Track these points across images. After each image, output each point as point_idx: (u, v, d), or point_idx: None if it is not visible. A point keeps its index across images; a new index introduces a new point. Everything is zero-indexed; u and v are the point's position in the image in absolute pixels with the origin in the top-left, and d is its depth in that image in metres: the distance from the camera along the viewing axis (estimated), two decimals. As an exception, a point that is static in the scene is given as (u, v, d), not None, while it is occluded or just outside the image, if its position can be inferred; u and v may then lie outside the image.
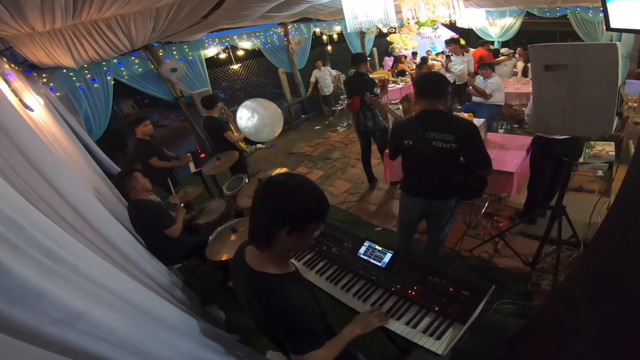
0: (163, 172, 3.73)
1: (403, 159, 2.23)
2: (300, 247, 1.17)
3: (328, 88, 7.52)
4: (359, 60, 3.70)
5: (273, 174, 1.04)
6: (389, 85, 6.75)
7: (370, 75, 4.30)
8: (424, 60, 7.58)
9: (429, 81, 1.99)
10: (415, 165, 2.16)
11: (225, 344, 1.64)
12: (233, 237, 2.32)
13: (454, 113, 3.57)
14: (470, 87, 4.49)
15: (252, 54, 6.97)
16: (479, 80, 4.46)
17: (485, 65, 4.47)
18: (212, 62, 6.23)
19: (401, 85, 6.88)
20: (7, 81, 2.55)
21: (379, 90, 3.68)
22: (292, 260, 1.82)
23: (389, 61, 9.44)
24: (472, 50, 6.60)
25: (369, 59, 8.98)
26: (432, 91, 1.96)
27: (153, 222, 2.51)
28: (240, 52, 6.40)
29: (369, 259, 1.75)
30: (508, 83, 5.71)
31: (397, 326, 1.41)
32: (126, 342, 0.99)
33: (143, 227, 2.48)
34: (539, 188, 2.91)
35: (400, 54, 8.63)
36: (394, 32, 8.69)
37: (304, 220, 0.99)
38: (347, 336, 1.22)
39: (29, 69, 3.60)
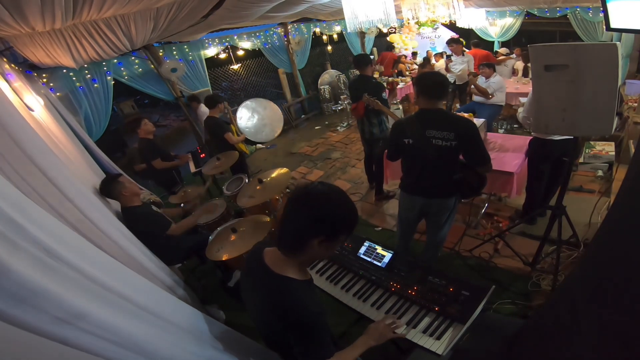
0: (165, 172, 3.75)
1: (403, 158, 2.24)
2: (325, 256, 1.17)
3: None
4: (363, 63, 3.47)
5: (311, 182, 1.03)
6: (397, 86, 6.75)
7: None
8: (427, 60, 7.58)
9: (434, 82, 1.97)
10: (415, 163, 2.17)
11: (232, 341, 1.64)
12: (233, 237, 2.32)
13: (455, 113, 3.56)
14: (472, 87, 4.49)
15: (252, 54, 6.96)
16: (480, 80, 4.46)
17: (485, 65, 4.47)
18: (212, 62, 6.22)
19: (401, 85, 6.88)
20: (7, 81, 2.55)
21: (387, 95, 3.51)
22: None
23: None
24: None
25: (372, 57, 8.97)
26: (436, 92, 1.96)
27: (150, 230, 2.42)
28: (240, 52, 6.40)
29: (369, 259, 1.75)
30: (508, 83, 5.71)
31: (397, 326, 1.41)
32: (129, 340, 0.98)
33: (140, 234, 2.44)
34: (537, 189, 2.91)
35: (400, 54, 8.62)
36: (394, 32, 8.69)
37: (338, 232, 1.01)
38: (359, 347, 1.20)
39: (29, 69, 3.61)
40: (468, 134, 1.92)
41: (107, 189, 2.44)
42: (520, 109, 3.63)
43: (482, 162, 1.99)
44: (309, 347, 1.02)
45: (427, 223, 2.38)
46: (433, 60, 7.93)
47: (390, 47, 8.25)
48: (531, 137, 2.84)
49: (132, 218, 2.42)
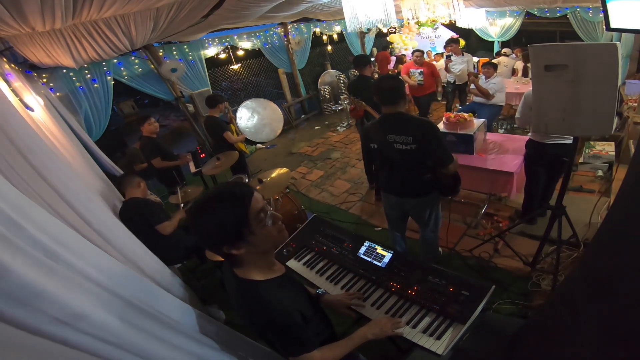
0: (166, 171, 3.76)
1: (374, 160, 2.30)
2: (266, 244, 1.03)
3: None
4: (362, 63, 3.53)
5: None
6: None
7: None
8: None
9: (386, 88, 2.01)
10: (384, 166, 2.24)
11: (232, 341, 1.64)
12: (233, 237, 2.32)
13: (454, 113, 3.57)
14: (472, 87, 4.49)
15: (252, 54, 6.96)
16: (481, 80, 4.47)
17: (488, 65, 4.49)
18: (212, 62, 6.22)
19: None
20: (7, 81, 2.55)
21: None
22: (290, 260, 1.83)
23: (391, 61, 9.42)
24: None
25: (372, 59, 8.96)
26: (390, 98, 2.00)
27: (148, 216, 2.50)
28: (240, 52, 6.39)
29: (369, 259, 1.75)
30: (508, 83, 5.71)
31: (397, 326, 1.40)
32: (128, 341, 0.98)
33: (139, 225, 2.42)
34: (535, 190, 2.91)
35: (401, 53, 8.62)
36: (394, 32, 8.68)
37: (229, 237, 0.95)
38: (356, 340, 1.19)
39: (29, 69, 3.60)
40: (426, 136, 1.93)
41: (128, 176, 2.70)
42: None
43: (443, 162, 2.00)
44: (286, 344, 1.04)
45: (414, 220, 2.44)
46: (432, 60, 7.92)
47: (385, 46, 8.22)
48: (527, 138, 2.85)
49: (137, 205, 2.54)
